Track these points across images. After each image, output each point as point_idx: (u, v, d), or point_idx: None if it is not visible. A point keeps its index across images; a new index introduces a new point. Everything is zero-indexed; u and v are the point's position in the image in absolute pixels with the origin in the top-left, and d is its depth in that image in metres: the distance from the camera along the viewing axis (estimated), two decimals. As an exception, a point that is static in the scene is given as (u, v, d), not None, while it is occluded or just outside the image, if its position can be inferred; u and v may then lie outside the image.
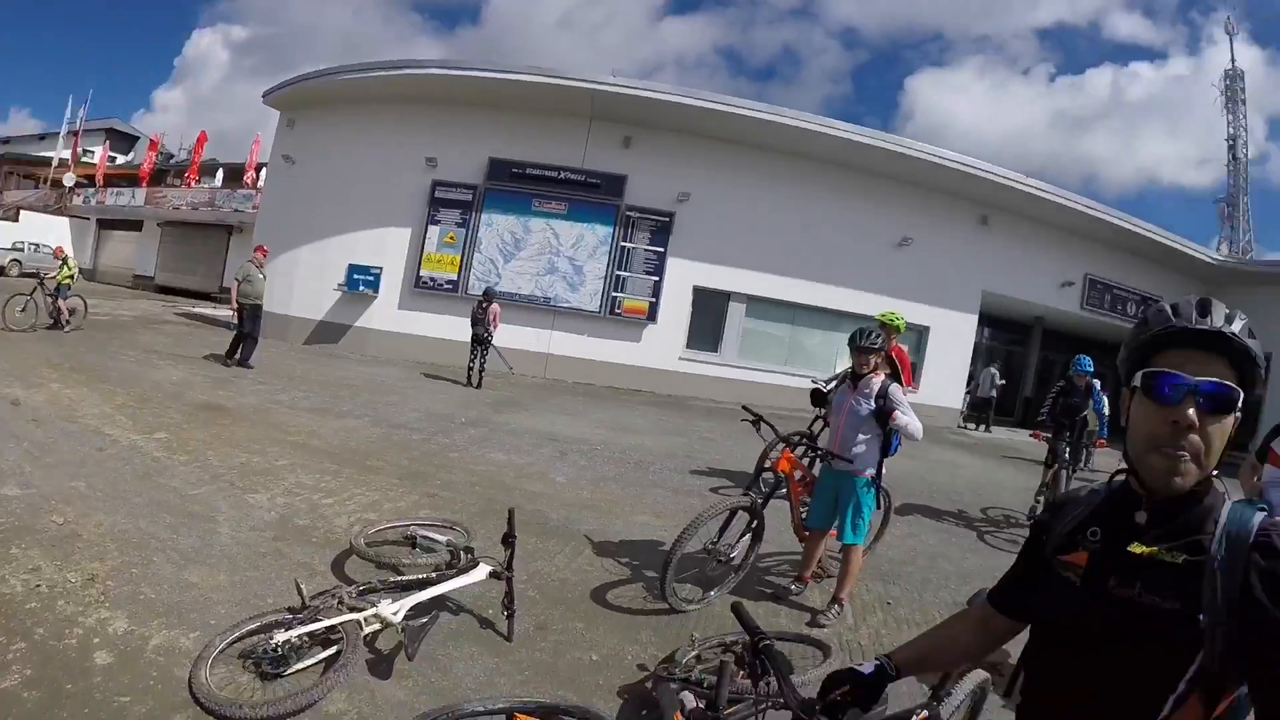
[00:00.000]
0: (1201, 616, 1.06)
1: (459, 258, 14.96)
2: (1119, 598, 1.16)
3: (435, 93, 15.08)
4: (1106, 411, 8.54)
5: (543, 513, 5.76)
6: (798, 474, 5.28)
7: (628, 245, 15.18)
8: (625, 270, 15.16)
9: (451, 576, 3.59)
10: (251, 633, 2.99)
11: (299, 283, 15.39)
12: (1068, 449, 8.04)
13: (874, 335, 4.60)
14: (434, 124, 15.26)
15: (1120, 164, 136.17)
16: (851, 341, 4.64)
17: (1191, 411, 1.11)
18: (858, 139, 15.26)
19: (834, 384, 5.85)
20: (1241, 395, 1.13)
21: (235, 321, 11.25)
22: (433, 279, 15.06)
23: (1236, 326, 1.14)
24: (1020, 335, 20.59)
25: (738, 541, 4.74)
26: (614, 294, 15.08)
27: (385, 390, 10.51)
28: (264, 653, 2.88)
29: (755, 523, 4.74)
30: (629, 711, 3.23)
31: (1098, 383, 8.31)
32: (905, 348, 6.94)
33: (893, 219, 16.51)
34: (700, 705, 1.93)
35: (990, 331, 19.65)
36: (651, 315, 15.23)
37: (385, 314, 15.32)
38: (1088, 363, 7.97)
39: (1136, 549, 1.18)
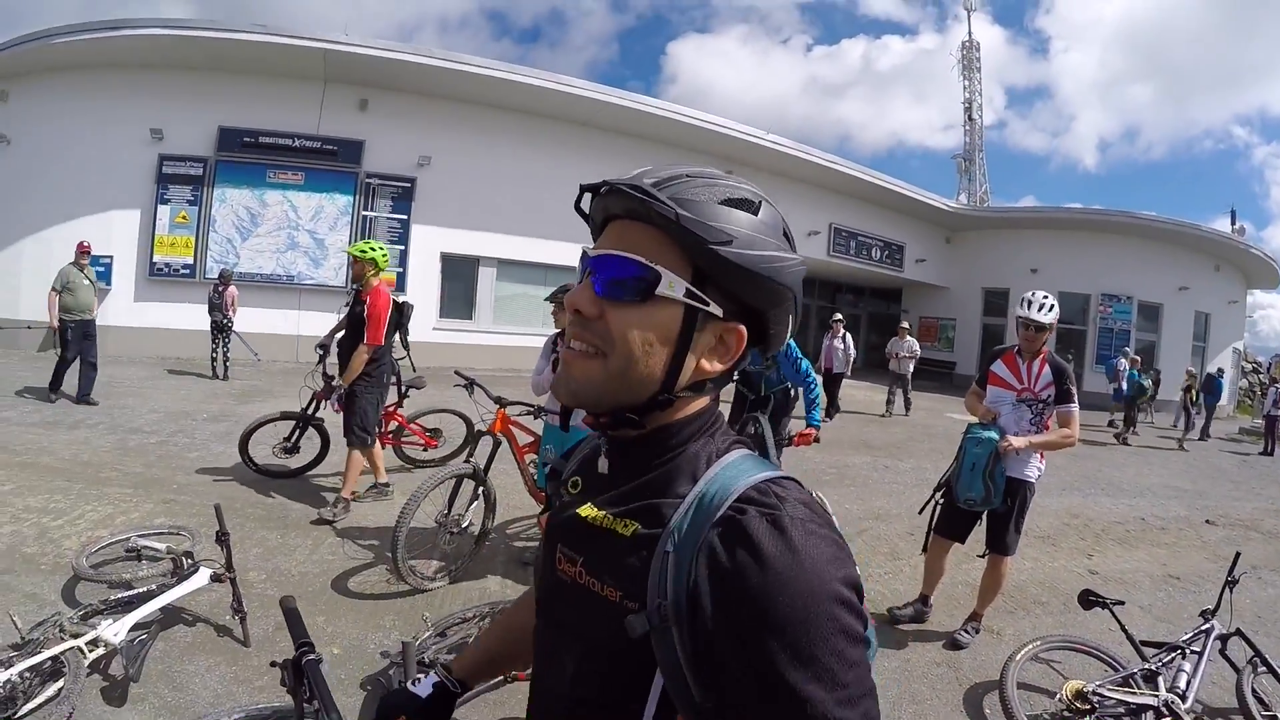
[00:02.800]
0: (638, 617, 0.89)
1: (193, 239, 15.88)
2: (562, 577, 1.03)
3: (157, 56, 15.44)
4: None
5: (284, 504, 6.54)
6: (519, 435, 5.79)
7: (370, 214, 17.01)
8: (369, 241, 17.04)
9: (173, 586, 3.82)
10: (-26, 679, 3.01)
11: (25, 282, 15.14)
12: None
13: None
14: (158, 91, 15.83)
15: (872, 128, 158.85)
16: (553, 297, 5.49)
17: (588, 295, 0.98)
18: (595, 96, 18.08)
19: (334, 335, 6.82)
20: (661, 276, 0.94)
21: (57, 344, 10.56)
22: (168, 264, 15.74)
23: (663, 188, 0.94)
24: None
25: (468, 510, 5.26)
26: (360, 267, 17.13)
27: (122, 393, 10.93)
28: (-11, 698, 2.94)
29: (482, 489, 5.27)
30: (371, 703, 3.55)
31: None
32: (387, 289, 6.74)
33: (639, 177, 19.90)
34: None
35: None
36: (400, 286, 17.04)
37: (120, 308, 15.42)
38: None
39: (585, 512, 1.01)
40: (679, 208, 0.92)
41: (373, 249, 6.43)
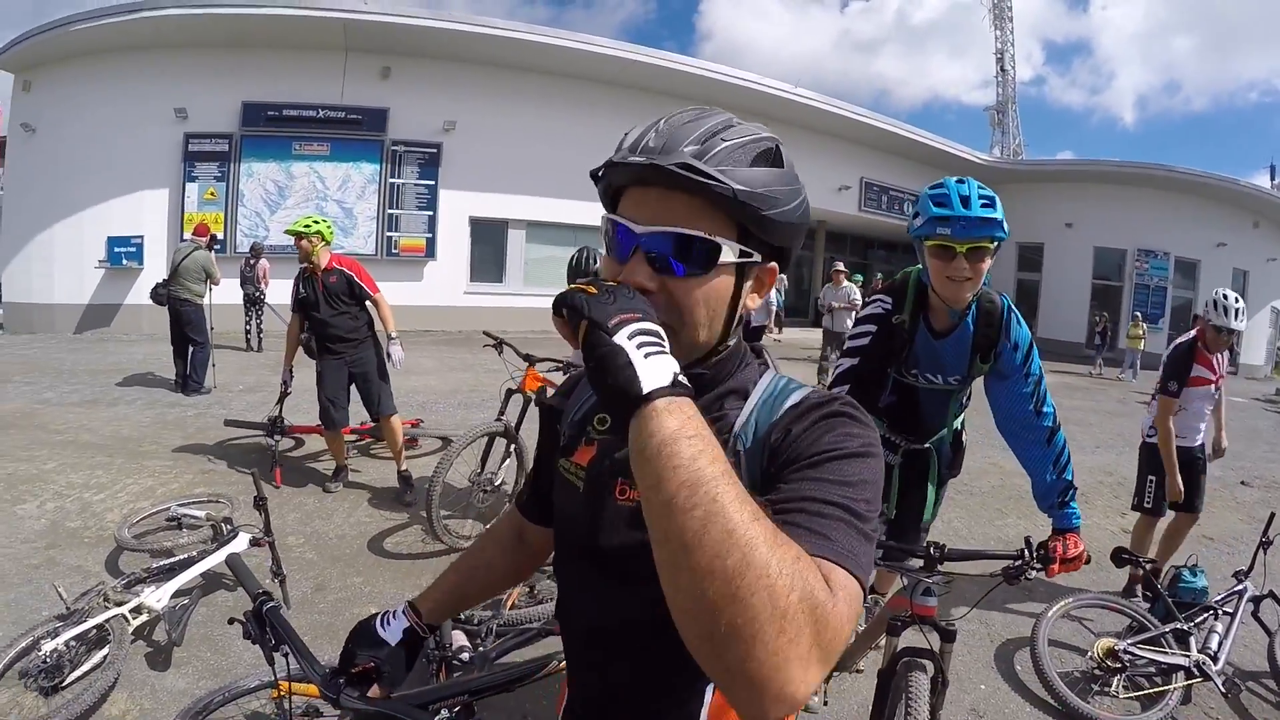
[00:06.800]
0: None
1: (223, 214, 15.93)
2: (626, 505, 1.07)
3: (177, 36, 15.50)
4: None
5: (319, 471, 6.67)
6: (548, 392, 5.56)
7: (397, 181, 17.19)
8: (397, 208, 17.15)
9: (213, 552, 3.92)
10: (24, 651, 3.15)
11: (59, 265, 15.60)
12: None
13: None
14: (180, 71, 15.91)
15: (910, 84, 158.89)
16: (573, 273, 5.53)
17: (645, 272, 0.95)
18: (620, 55, 18.09)
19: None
20: (723, 248, 0.95)
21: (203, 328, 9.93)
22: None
23: (706, 160, 0.91)
24: (806, 239, 24.92)
25: (501, 468, 5.39)
26: (389, 234, 17.05)
27: (159, 368, 10.84)
28: (38, 668, 3.06)
29: (514, 446, 5.39)
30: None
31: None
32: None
33: (667, 135, 19.65)
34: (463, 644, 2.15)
35: (777, 239, 24.45)
36: (430, 252, 17.44)
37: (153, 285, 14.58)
38: None
39: None
40: (734, 182, 0.92)
41: (317, 222, 6.16)
